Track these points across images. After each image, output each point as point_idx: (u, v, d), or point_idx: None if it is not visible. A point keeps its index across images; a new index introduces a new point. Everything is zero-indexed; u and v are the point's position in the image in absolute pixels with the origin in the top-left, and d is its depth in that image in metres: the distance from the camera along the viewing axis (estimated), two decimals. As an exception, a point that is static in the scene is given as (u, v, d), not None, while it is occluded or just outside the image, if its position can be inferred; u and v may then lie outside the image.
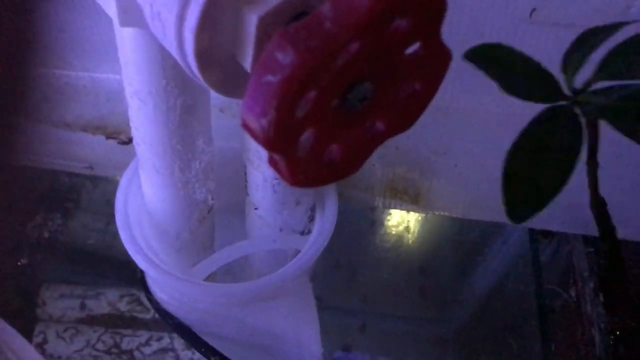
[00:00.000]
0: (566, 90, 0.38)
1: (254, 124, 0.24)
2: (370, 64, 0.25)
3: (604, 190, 0.58)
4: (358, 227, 0.81)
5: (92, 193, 0.80)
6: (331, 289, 0.82)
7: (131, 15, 0.34)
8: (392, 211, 0.81)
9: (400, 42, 0.25)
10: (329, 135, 0.26)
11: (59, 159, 0.63)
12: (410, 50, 0.26)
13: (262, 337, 0.56)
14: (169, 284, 0.47)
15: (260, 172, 0.48)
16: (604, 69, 0.37)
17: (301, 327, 0.51)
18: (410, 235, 0.80)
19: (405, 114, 0.29)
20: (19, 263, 0.74)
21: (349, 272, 0.83)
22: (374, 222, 0.82)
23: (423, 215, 0.79)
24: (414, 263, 0.79)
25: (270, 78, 0.22)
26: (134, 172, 0.51)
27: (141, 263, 0.47)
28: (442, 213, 0.63)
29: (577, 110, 0.38)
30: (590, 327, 0.56)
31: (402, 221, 0.81)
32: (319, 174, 0.27)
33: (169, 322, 0.58)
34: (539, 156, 0.37)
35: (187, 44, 0.27)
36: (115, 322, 0.79)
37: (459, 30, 0.45)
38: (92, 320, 0.78)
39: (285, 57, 0.22)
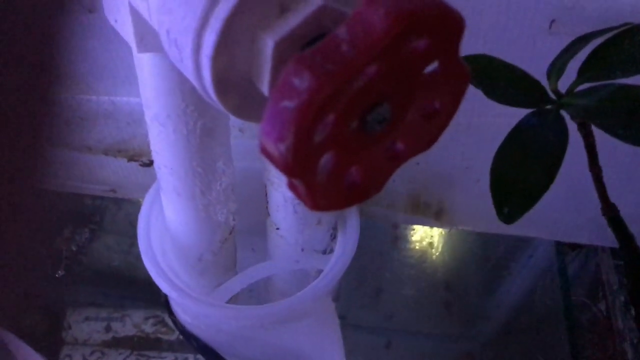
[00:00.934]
0: (552, 95, 0.39)
1: (272, 150, 0.23)
2: (388, 85, 0.25)
3: (629, 199, 0.57)
4: (381, 244, 0.81)
5: (116, 215, 0.81)
6: (356, 307, 0.81)
7: (148, 41, 0.34)
8: (415, 227, 0.80)
9: (418, 62, 0.25)
10: (349, 157, 0.26)
11: (82, 182, 0.63)
12: (428, 69, 0.26)
13: (287, 357, 0.55)
14: (191, 306, 0.47)
15: (281, 192, 0.47)
16: (585, 72, 0.38)
17: (325, 348, 0.51)
18: (434, 251, 0.79)
19: (426, 134, 0.29)
20: (56, 275, 0.75)
21: (373, 289, 0.82)
22: (397, 238, 0.82)
23: (447, 230, 0.79)
24: (439, 279, 0.78)
25: (287, 103, 0.22)
26: (155, 195, 0.51)
27: (163, 286, 0.47)
28: (465, 228, 0.63)
29: (563, 113, 0.38)
30: (622, 342, 0.55)
31: (425, 237, 0.80)
32: (340, 197, 0.27)
33: (193, 344, 0.58)
34: (526, 158, 0.38)
35: (204, 70, 0.27)
36: (140, 344, 0.79)
37: (478, 42, 0.44)
38: (118, 343, 0.79)
39: (302, 82, 0.22)
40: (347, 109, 0.24)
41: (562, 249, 0.65)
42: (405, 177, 0.58)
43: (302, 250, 0.51)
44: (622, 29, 0.39)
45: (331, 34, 0.23)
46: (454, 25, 0.24)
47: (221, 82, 0.27)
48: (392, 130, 0.27)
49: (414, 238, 0.80)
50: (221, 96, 0.28)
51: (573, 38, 0.42)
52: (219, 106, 0.28)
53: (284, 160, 0.23)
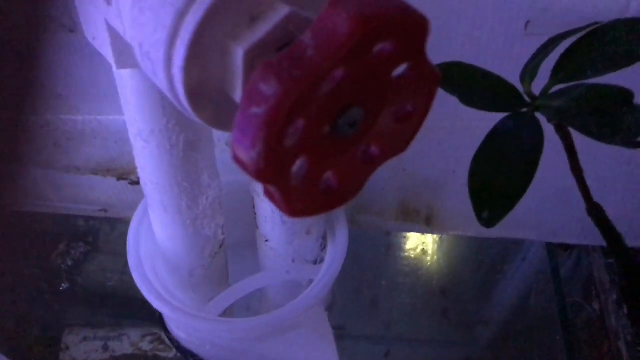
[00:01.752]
0: (526, 98, 0.39)
1: (243, 157, 0.24)
2: (357, 89, 0.25)
3: (614, 198, 0.57)
4: (375, 252, 0.81)
5: (109, 235, 0.81)
6: (353, 317, 0.81)
7: (126, 57, 0.34)
8: (409, 234, 0.81)
9: (385, 65, 0.25)
10: (323, 162, 0.26)
11: (73, 203, 0.63)
12: (397, 72, 0.26)
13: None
14: (183, 321, 0.47)
15: (268, 203, 0.47)
16: (557, 73, 0.39)
17: (319, 357, 0.51)
18: (428, 258, 0.79)
19: (399, 136, 0.29)
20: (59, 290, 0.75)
21: (369, 299, 0.82)
22: (391, 246, 0.82)
23: (440, 236, 0.79)
24: (434, 285, 0.78)
25: (255, 110, 0.23)
26: (144, 212, 0.51)
27: (154, 302, 0.47)
28: (456, 233, 0.63)
29: (538, 116, 0.39)
30: (616, 340, 0.55)
31: (419, 243, 0.80)
32: (316, 202, 0.27)
33: (187, 358, 0.58)
34: (502, 162, 0.38)
35: (176, 82, 0.27)
36: (138, 363, 0.78)
37: (455, 46, 0.45)
38: (116, 362, 0.78)
39: (269, 88, 0.22)
40: (317, 114, 0.24)
41: (554, 250, 0.65)
42: (393, 184, 0.58)
43: (293, 261, 0.52)
44: (591, 28, 0.40)
45: (297, 40, 0.23)
46: (417, 27, 0.24)
47: (194, 94, 0.27)
48: (365, 133, 0.27)
49: (407, 246, 0.80)
50: (195, 108, 0.28)
51: (548, 38, 0.42)
52: (194, 118, 0.29)
53: (255, 166, 0.24)
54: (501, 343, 0.75)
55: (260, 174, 0.24)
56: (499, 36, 0.44)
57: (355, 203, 0.61)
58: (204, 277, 0.52)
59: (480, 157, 0.40)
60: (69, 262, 0.80)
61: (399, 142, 0.29)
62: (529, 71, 0.40)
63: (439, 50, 0.45)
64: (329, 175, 0.27)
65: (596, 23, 0.40)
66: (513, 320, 0.73)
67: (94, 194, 0.62)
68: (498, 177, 0.39)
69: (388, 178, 0.57)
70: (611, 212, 0.51)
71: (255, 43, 0.26)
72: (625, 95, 0.38)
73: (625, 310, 0.55)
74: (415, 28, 0.24)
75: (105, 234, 0.81)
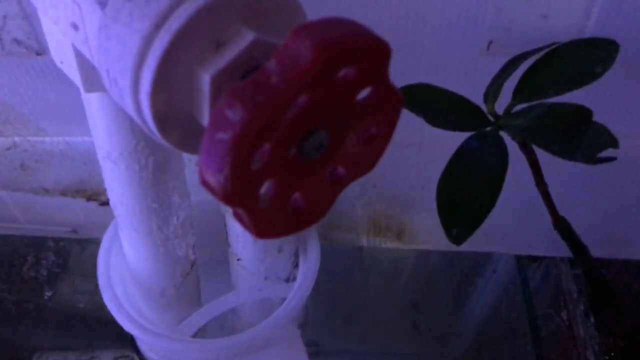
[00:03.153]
0: (490, 117, 0.40)
1: (211, 181, 0.24)
2: (322, 113, 0.26)
3: (579, 211, 0.59)
4: (348, 268, 0.81)
5: (79, 256, 0.80)
6: (327, 333, 0.81)
7: (94, 81, 0.35)
8: (381, 249, 0.81)
9: (349, 89, 0.26)
10: (291, 184, 0.27)
11: (42, 225, 0.63)
12: (361, 96, 0.27)
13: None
14: (155, 343, 0.47)
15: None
16: (519, 93, 0.40)
17: (293, 375, 0.51)
18: (401, 272, 0.80)
19: (365, 157, 0.29)
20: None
21: (343, 314, 0.82)
22: (364, 261, 0.82)
23: (412, 250, 0.79)
24: (407, 299, 0.79)
25: (222, 135, 0.23)
26: (114, 233, 0.51)
27: (124, 323, 0.47)
28: (427, 247, 0.64)
29: (502, 134, 0.40)
30: (584, 350, 0.56)
31: (391, 258, 0.81)
32: (285, 223, 0.28)
33: (162, 380, 0.58)
34: (469, 180, 0.40)
35: (144, 107, 0.27)
36: (110, 384, 0.77)
37: (419, 67, 0.46)
38: (87, 385, 0.77)
39: (234, 114, 0.23)
40: (283, 138, 0.25)
41: (523, 261, 0.66)
42: (364, 200, 0.58)
43: (265, 279, 0.52)
44: (549, 48, 0.41)
45: (262, 66, 0.23)
46: (379, 52, 0.25)
47: (162, 119, 0.28)
48: (332, 155, 0.28)
49: (379, 260, 0.81)
50: (163, 132, 0.28)
51: (511, 57, 0.44)
52: (163, 142, 0.29)
53: (223, 190, 0.24)
54: (474, 356, 0.76)
55: (227, 198, 0.24)
56: (463, 57, 0.45)
57: (327, 220, 0.62)
58: (176, 297, 0.52)
59: (447, 176, 0.41)
60: (38, 284, 0.78)
61: (365, 163, 0.30)
62: (492, 92, 0.41)
63: (405, 71, 0.46)
64: (296, 196, 0.28)
65: (554, 43, 0.42)
66: (485, 333, 0.74)
67: (64, 215, 0.62)
68: (465, 195, 0.40)
69: (358, 195, 0.58)
70: (577, 224, 0.52)
71: (221, 69, 0.26)
72: (584, 113, 0.39)
73: (593, 320, 0.57)
74: (377, 53, 0.25)
75: (75, 254, 0.80)
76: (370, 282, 0.81)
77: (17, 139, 0.52)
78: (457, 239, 0.40)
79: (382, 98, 0.27)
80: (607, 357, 0.55)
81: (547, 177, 0.47)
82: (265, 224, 0.27)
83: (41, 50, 0.45)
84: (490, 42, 0.44)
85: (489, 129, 0.42)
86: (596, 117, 0.39)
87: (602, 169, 0.57)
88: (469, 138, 0.41)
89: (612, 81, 0.45)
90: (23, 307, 0.78)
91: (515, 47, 0.44)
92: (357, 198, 0.59)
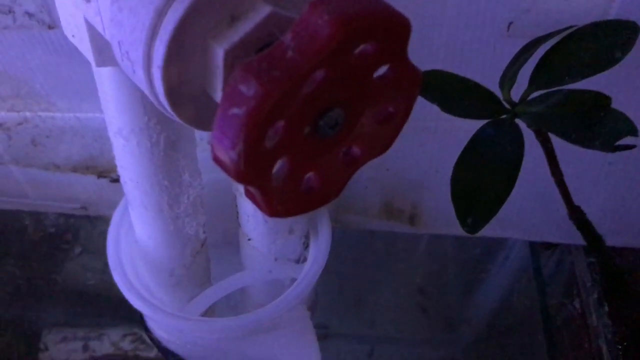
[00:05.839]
0: (507, 105, 0.39)
1: (224, 157, 0.23)
2: (338, 90, 0.25)
3: (595, 200, 0.58)
4: (359, 251, 0.81)
5: (89, 233, 0.80)
6: (337, 317, 0.81)
7: (106, 55, 0.34)
8: (393, 233, 0.81)
9: (366, 66, 0.25)
10: (304, 163, 0.26)
11: (52, 201, 0.63)
12: (378, 73, 0.26)
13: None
14: (163, 321, 0.47)
15: (250, 202, 0.47)
16: (535, 80, 0.39)
17: (301, 357, 0.51)
18: (413, 256, 0.79)
19: (381, 138, 0.29)
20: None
21: (353, 298, 0.82)
22: (375, 245, 0.82)
23: (424, 235, 0.79)
24: (419, 284, 0.78)
25: (236, 111, 0.22)
26: (124, 211, 0.50)
27: (134, 302, 0.46)
28: (440, 232, 0.63)
29: (518, 122, 0.39)
30: (597, 338, 0.55)
31: (403, 242, 0.80)
32: (298, 203, 0.27)
33: (168, 358, 0.58)
34: (484, 168, 0.39)
35: (156, 81, 0.26)
36: (118, 362, 0.78)
37: (438, 48, 0.45)
38: (96, 362, 0.78)
39: (248, 89, 0.22)
40: (298, 115, 0.24)
41: (537, 248, 0.65)
42: (377, 183, 0.58)
43: (276, 260, 0.51)
44: (567, 32, 0.40)
45: (278, 40, 0.23)
46: (399, 28, 0.24)
47: (174, 93, 0.27)
48: (347, 134, 0.27)
49: (391, 244, 0.80)
50: (175, 107, 0.28)
51: (531, 40, 0.42)
52: (174, 117, 0.28)
53: (236, 167, 0.23)
54: (484, 343, 0.76)
55: (240, 175, 0.24)
56: (481, 39, 0.44)
57: (338, 202, 0.61)
58: (185, 276, 0.51)
59: (462, 164, 0.40)
60: (49, 261, 0.79)
61: (381, 143, 0.29)
62: (508, 78, 0.40)
63: (421, 56, 0.45)
64: (310, 175, 0.27)
65: (572, 27, 0.40)
66: (496, 320, 0.73)
67: (74, 191, 0.61)
68: (480, 184, 0.40)
69: (371, 177, 0.57)
70: (592, 212, 0.51)
71: (236, 43, 0.26)
72: (602, 100, 0.38)
73: (606, 309, 0.56)
74: (396, 29, 0.24)
75: (85, 232, 0.80)
76: (382, 266, 0.80)
77: (28, 114, 0.51)
78: (472, 228, 0.40)
79: (400, 76, 0.26)
80: (619, 347, 0.54)
81: (563, 165, 0.46)
82: (278, 202, 0.26)
83: (53, 24, 0.45)
84: (510, 23, 0.43)
85: (504, 116, 0.41)
86: (615, 104, 0.38)
87: (619, 157, 0.56)
88: (484, 125, 0.40)
89: (633, 65, 0.43)
90: (33, 283, 0.78)
91: (536, 29, 0.43)
92: (369, 181, 0.58)
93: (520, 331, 0.68)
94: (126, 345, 0.78)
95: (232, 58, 0.26)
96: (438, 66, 0.41)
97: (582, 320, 0.58)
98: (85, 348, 0.78)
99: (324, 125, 0.25)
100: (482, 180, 0.40)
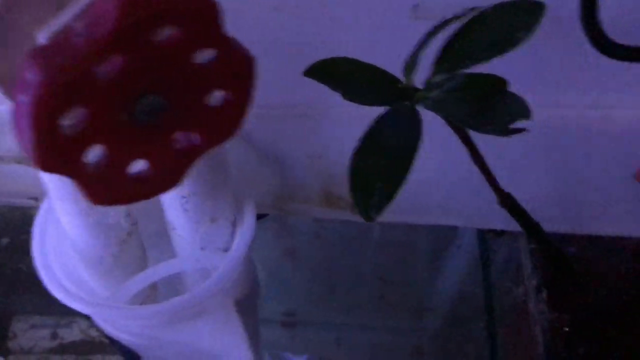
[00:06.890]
0: (409, 91, 0.38)
1: (25, 148, 0.24)
2: (152, 76, 0.25)
3: (534, 183, 0.56)
4: (316, 241, 0.81)
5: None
6: (305, 304, 0.82)
7: None
8: (350, 223, 0.80)
9: (179, 51, 0.25)
10: (127, 150, 0.26)
11: (2, 195, 0.63)
12: (203, 58, 0.26)
13: (201, 357, 0.55)
14: (84, 308, 0.47)
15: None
16: (440, 63, 0.38)
17: (227, 344, 0.51)
18: (370, 245, 0.79)
19: (223, 123, 0.28)
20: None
21: (321, 286, 0.82)
22: (320, 234, 0.81)
23: (381, 224, 0.78)
24: (377, 273, 0.78)
25: (23, 98, 0.22)
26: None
27: (54, 291, 0.47)
28: (384, 220, 0.62)
29: (420, 108, 0.38)
30: (534, 325, 0.54)
31: (359, 231, 0.80)
32: (127, 191, 0.27)
33: (116, 347, 0.58)
34: (380, 155, 0.37)
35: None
36: (86, 349, 0.79)
37: (348, 41, 0.44)
38: (63, 349, 0.79)
39: (32, 76, 0.22)
40: (103, 102, 0.24)
41: (486, 236, 0.64)
42: (312, 171, 0.57)
43: (202, 249, 0.51)
44: (472, 14, 0.39)
45: (66, 26, 0.23)
46: (201, 11, 0.24)
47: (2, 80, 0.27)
48: (177, 122, 0.27)
49: (348, 234, 0.80)
50: (9, 94, 0.28)
51: (437, 22, 0.41)
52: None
53: (34, 157, 0.23)
54: (448, 331, 0.75)
55: (43, 164, 0.24)
56: (384, 21, 0.43)
57: (278, 191, 0.61)
58: (115, 265, 0.52)
59: (360, 152, 0.39)
60: (13, 250, 0.80)
61: (224, 129, 0.29)
62: (410, 63, 0.39)
63: (328, 43, 0.44)
64: (140, 163, 0.27)
65: (474, 9, 0.39)
66: (447, 308, 0.72)
67: (22, 183, 0.62)
68: (375, 172, 0.38)
69: (306, 165, 0.57)
70: (528, 198, 0.50)
71: (56, 32, 0.26)
72: (499, 83, 0.37)
73: (544, 295, 0.55)
74: (198, 11, 0.24)
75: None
76: (340, 255, 0.80)
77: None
78: (368, 216, 0.39)
79: (226, 60, 0.26)
80: (558, 333, 0.53)
81: (498, 151, 0.45)
82: (101, 190, 0.26)
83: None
84: (415, 5, 0.42)
85: (407, 103, 0.40)
86: (528, 86, 0.37)
87: (553, 142, 0.55)
88: (383, 113, 0.39)
89: (538, 46, 0.42)
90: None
91: (442, 10, 0.42)
92: (305, 169, 0.58)
93: (466, 319, 0.68)
94: (94, 332, 0.80)
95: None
96: (348, 54, 0.41)
97: (524, 307, 0.57)
98: (54, 336, 0.80)
99: (139, 112, 0.25)
100: (378, 168, 0.39)
